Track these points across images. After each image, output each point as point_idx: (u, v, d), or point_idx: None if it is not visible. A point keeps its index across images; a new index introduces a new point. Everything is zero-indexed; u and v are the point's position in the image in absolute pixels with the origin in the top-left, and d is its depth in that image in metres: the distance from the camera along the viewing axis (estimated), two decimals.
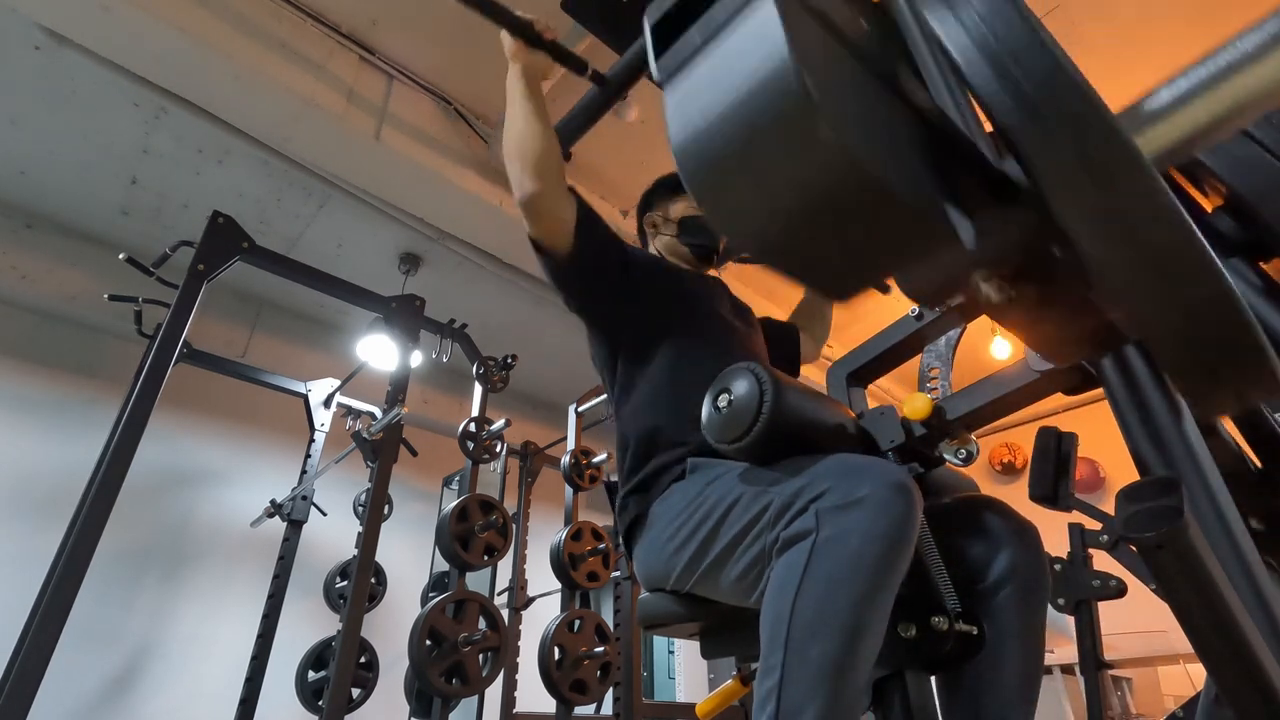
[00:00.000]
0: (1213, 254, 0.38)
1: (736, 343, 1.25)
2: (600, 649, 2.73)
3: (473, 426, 3.05)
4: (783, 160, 0.32)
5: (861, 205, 0.33)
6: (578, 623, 2.78)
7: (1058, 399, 0.84)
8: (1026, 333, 0.53)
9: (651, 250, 1.49)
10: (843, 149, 0.31)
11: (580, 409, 3.36)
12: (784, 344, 1.50)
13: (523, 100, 1.16)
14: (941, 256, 0.37)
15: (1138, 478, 0.53)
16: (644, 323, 1.23)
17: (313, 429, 3.37)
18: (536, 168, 1.12)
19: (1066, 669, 3.61)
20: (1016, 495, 1.50)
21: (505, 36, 1.15)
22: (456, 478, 3.85)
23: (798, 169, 0.32)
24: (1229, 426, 0.74)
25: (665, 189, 1.47)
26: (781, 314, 1.64)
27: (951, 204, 0.36)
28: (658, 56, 0.39)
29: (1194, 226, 0.38)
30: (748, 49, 0.33)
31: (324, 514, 3.27)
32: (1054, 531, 1.63)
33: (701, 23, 0.37)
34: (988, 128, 0.44)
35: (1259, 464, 0.71)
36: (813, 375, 4.44)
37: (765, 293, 3.81)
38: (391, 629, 3.48)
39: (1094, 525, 1.93)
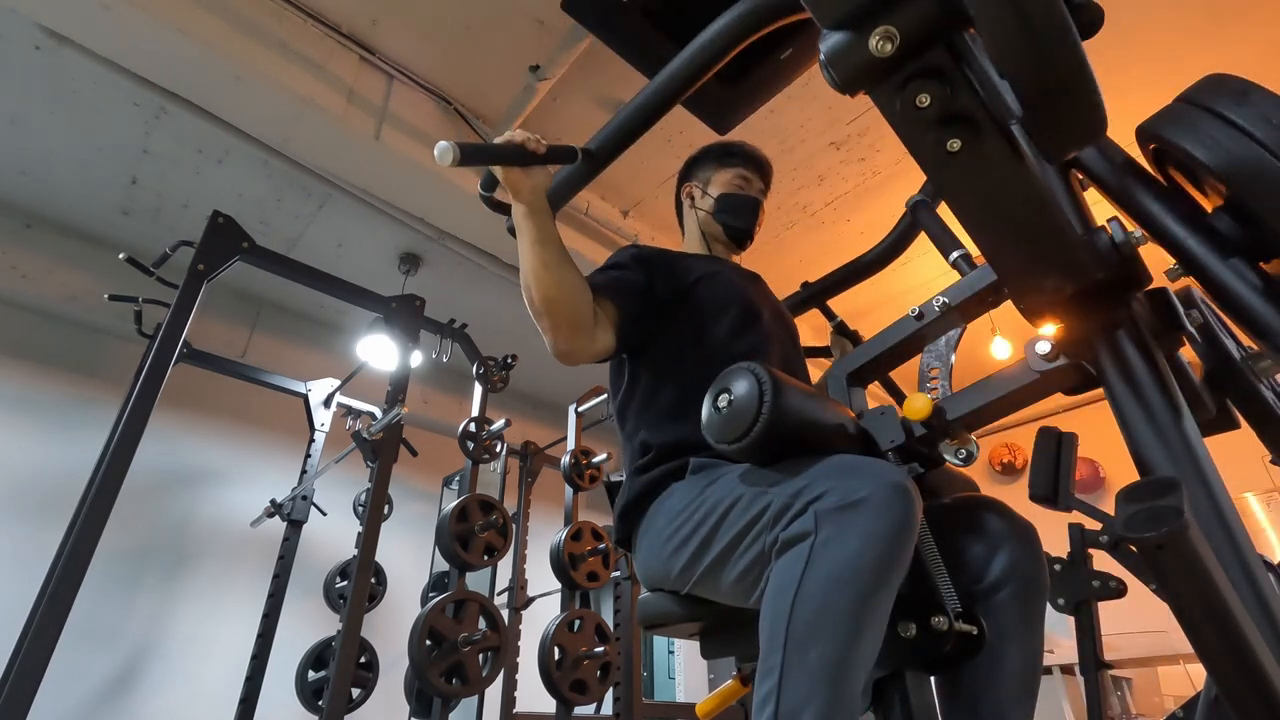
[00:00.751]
0: (1066, 13, 0.46)
1: (774, 349, 1.21)
2: (600, 649, 2.73)
3: (473, 426, 3.05)
4: None
5: None
6: (578, 623, 2.78)
7: (1058, 399, 0.84)
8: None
9: (686, 222, 1.45)
10: None
11: (580, 409, 3.36)
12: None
13: (537, 246, 1.03)
14: None
15: (1138, 478, 0.54)
16: (679, 327, 1.18)
17: (313, 429, 3.37)
18: (570, 326, 1.04)
19: (1066, 669, 3.61)
20: (1016, 495, 1.50)
21: (500, 173, 1.03)
22: (456, 478, 3.85)
23: None
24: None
25: (709, 159, 1.43)
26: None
27: None
28: None
29: None
30: None
31: (324, 514, 3.27)
32: (1054, 531, 1.63)
33: None
34: None
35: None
36: (812, 375, 4.42)
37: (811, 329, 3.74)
38: (391, 629, 3.47)
39: (1094, 525, 1.92)
